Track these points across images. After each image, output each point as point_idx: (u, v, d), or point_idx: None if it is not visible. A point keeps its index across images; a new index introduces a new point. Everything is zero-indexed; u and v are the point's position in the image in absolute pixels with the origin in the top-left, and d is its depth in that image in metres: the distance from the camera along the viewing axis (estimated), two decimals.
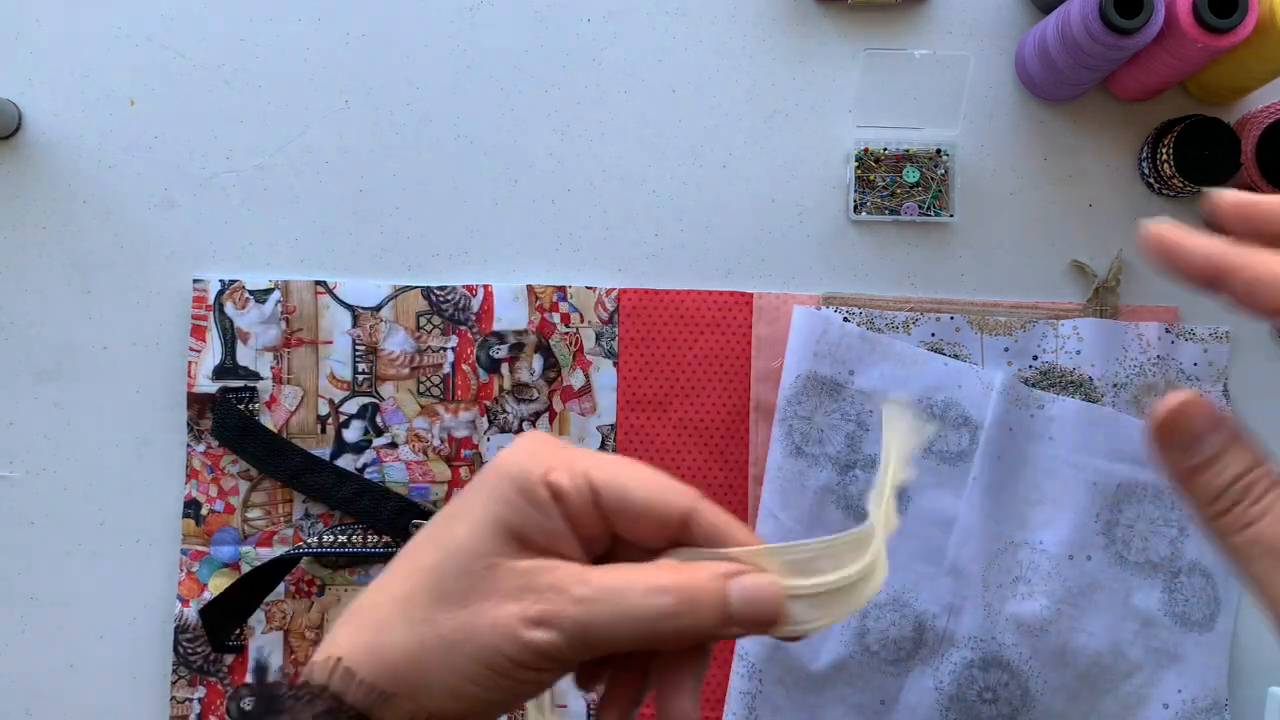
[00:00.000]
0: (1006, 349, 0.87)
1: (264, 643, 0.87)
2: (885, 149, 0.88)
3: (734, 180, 0.89)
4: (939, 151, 0.88)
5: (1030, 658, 0.83)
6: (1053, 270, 0.89)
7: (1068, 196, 0.89)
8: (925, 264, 0.89)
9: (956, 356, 0.86)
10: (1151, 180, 0.88)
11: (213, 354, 0.87)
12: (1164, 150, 0.85)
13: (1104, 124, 0.90)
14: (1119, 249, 0.88)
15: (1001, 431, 0.84)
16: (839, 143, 0.90)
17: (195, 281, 0.88)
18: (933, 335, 0.87)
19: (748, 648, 0.85)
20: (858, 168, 0.88)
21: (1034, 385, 0.86)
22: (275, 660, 0.86)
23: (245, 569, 0.86)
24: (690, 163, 0.89)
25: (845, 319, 0.86)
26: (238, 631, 0.86)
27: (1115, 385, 0.86)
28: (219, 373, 0.87)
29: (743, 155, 0.89)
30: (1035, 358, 0.87)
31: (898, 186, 0.88)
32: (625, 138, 0.90)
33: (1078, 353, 0.86)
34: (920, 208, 0.88)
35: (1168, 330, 0.87)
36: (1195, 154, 0.84)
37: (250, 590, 0.85)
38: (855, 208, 0.88)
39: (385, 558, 0.86)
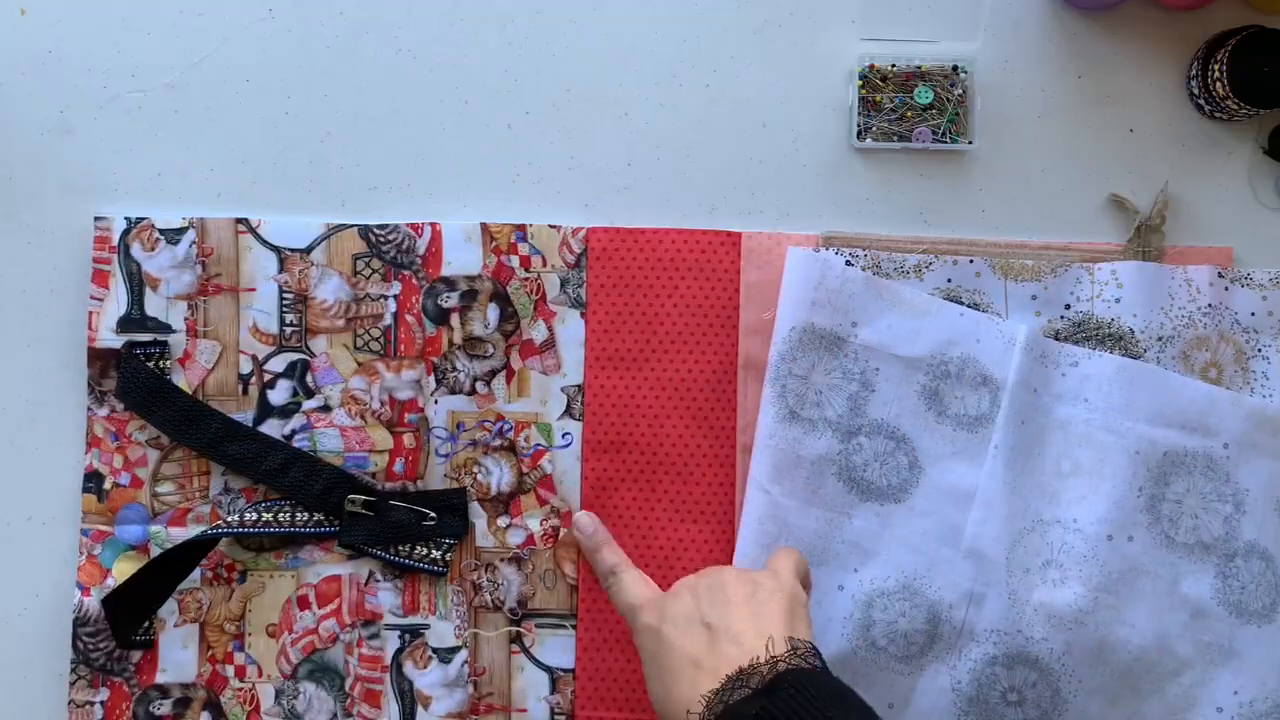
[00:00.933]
0: (1034, 297, 0.83)
1: (176, 637, 0.83)
2: (894, 66, 0.85)
3: (719, 101, 0.86)
4: (956, 68, 0.85)
5: (1062, 654, 0.79)
6: (1088, 206, 0.86)
7: (1105, 120, 0.86)
8: (940, 199, 0.86)
9: (976, 306, 0.83)
10: (1202, 101, 0.84)
11: (117, 303, 0.84)
12: (1216, 67, 0.81)
13: (1147, 36, 0.86)
14: (1165, 181, 0.84)
15: (1026, 392, 0.81)
16: (840, 58, 0.87)
17: (97, 220, 0.84)
18: (949, 281, 0.83)
19: None
20: (862, 87, 0.85)
21: (1066, 338, 0.83)
22: (190, 657, 0.82)
23: (155, 552, 0.83)
24: (669, 81, 0.86)
25: (847, 262, 0.83)
26: (146, 624, 0.83)
27: (1160, 339, 0.82)
28: (124, 325, 0.84)
29: (729, 72, 0.86)
30: (1068, 307, 0.83)
31: (908, 109, 0.85)
32: (593, 51, 0.86)
33: (1117, 301, 0.82)
34: (934, 133, 0.85)
35: (1220, 275, 0.83)
36: (1253, 71, 0.80)
37: (161, 576, 0.82)
38: (859, 133, 0.85)
39: (317, 538, 0.83)
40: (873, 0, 0.85)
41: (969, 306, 0.82)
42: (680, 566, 0.83)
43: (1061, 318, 0.82)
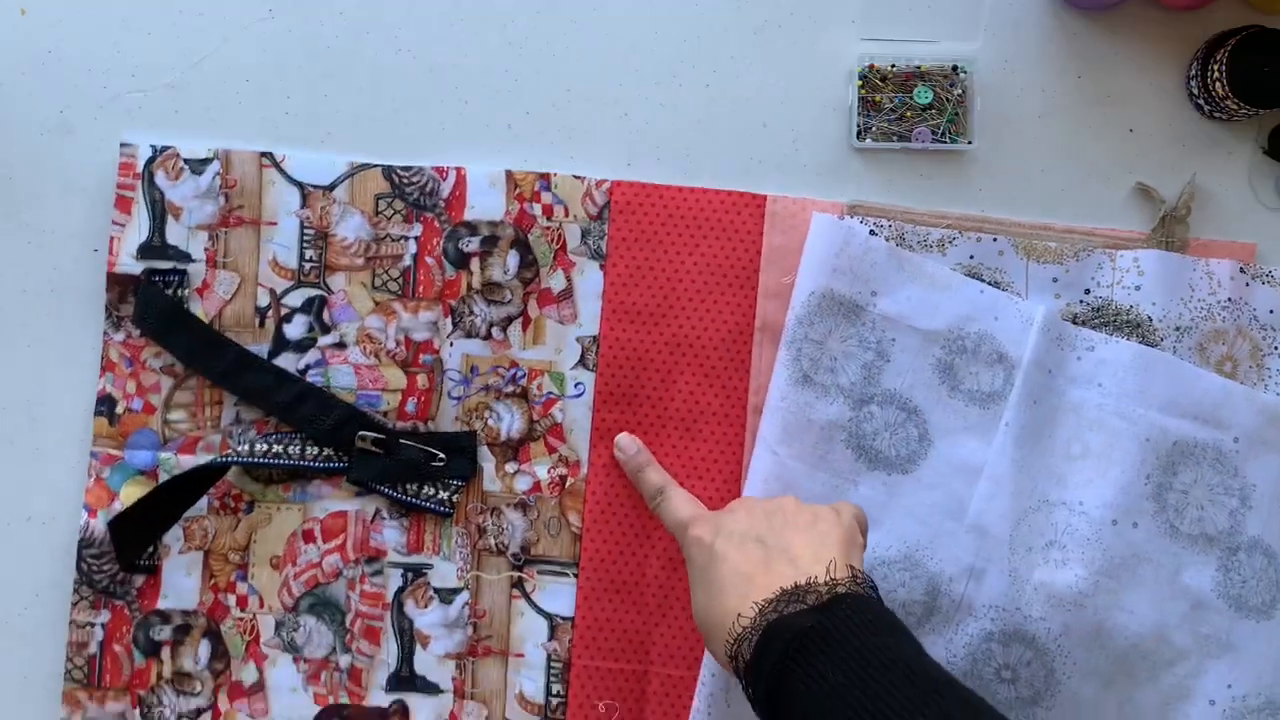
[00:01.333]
0: (1055, 279, 0.82)
1: (180, 564, 0.82)
2: (894, 66, 0.85)
3: (719, 101, 0.85)
4: (955, 68, 0.85)
5: (1059, 635, 0.79)
6: (1088, 205, 0.85)
7: (1105, 120, 0.85)
8: (940, 199, 0.85)
9: (996, 284, 0.82)
10: (1201, 101, 0.84)
11: (138, 230, 0.82)
12: (1216, 67, 0.81)
13: (1147, 36, 0.85)
14: (1192, 173, 0.83)
15: (1040, 373, 0.80)
16: (840, 58, 0.86)
17: (123, 145, 0.83)
18: (971, 258, 0.83)
19: None
20: (862, 87, 0.85)
21: (1085, 322, 0.82)
22: (193, 584, 0.82)
23: (163, 477, 0.82)
24: (669, 81, 0.85)
25: (872, 232, 0.82)
26: (151, 549, 0.82)
27: (1178, 328, 0.81)
28: (145, 251, 0.82)
29: (729, 72, 0.85)
30: (1088, 291, 0.82)
31: (908, 109, 0.85)
32: (593, 51, 0.85)
33: (1137, 288, 0.82)
34: (934, 133, 0.84)
35: (1242, 270, 0.82)
36: (1253, 71, 0.80)
37: (168, 502, 0.81)
38: (859, 133, 0.85)
39: (326, 473, 0.82)
40: (873, 0, 0.84)
41: (990, 284, 0.81)
42: None
43: (1081, 301, 0.82)
